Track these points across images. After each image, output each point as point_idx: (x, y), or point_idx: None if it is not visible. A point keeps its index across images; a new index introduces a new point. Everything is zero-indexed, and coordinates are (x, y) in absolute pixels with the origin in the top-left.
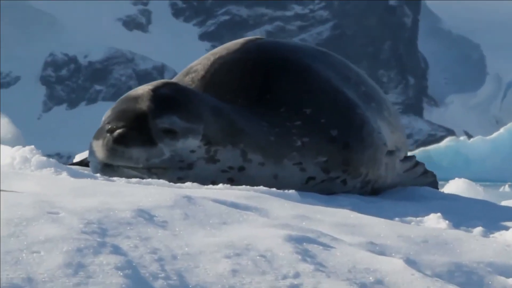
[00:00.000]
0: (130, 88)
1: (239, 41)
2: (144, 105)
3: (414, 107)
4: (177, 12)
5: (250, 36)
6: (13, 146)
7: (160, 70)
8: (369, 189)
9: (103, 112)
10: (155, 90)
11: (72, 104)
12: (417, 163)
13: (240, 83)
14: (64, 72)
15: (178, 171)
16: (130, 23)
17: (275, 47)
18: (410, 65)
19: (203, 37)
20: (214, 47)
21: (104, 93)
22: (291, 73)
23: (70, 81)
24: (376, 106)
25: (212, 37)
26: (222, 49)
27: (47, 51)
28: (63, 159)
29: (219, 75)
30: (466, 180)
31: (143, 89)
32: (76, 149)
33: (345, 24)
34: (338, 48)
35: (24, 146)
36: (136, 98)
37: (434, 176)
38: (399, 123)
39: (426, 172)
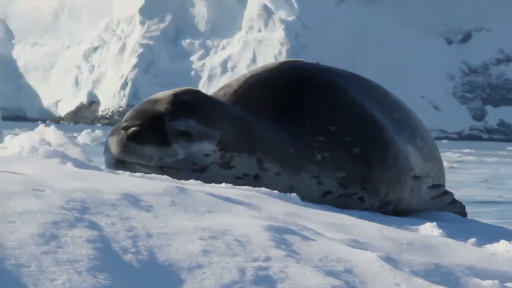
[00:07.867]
0: None
1: (278, 61)
2: (162, 107)
3: None
4: None
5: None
6: None
7: None
8: (390, 209)
9: None
10: (175, 95)
11: None
12: (446, 192)
13: (269, 97)
14: None
15: (191, 173)
16: None
17: (308, 67)
18: None
19: None
20: None
21: None
22: (321, 90)
23: None
24: (408, 133)
25: None
26: (260, 68)
27: None
28: None
29: (251, 90)
30: None
31: (164, 94)
32: None
33: None
34: None
35: None
36: (155, 101)
37: (463, 206)
38: (435, 155)
39: (454, 202)
